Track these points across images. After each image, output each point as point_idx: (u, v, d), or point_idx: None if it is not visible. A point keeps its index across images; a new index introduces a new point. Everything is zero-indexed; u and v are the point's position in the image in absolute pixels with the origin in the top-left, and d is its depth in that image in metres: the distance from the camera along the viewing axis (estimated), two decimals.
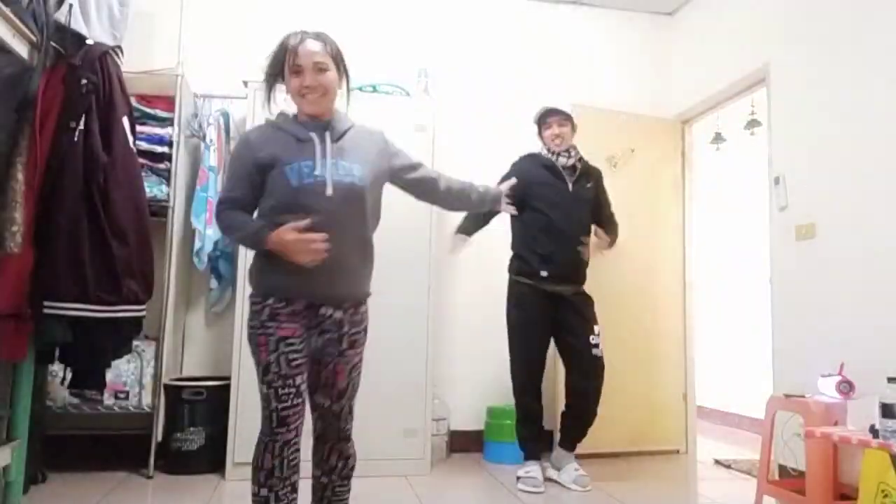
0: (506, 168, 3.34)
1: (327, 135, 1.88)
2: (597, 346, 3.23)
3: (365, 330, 1.97)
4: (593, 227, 3.42)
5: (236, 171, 1.90)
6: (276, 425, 1.80)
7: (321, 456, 2.00)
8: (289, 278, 1.81)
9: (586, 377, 3.22)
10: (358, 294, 1.94)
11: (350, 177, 1.85)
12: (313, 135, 1.87)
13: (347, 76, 1.98)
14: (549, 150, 3.35)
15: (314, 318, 1.86)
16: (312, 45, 1.87)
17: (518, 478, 3.15)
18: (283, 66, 1.87)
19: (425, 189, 2.11)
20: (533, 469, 3.16)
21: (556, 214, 3.22)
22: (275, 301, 1.83)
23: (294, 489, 1.87)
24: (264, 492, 1.84)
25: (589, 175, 3.40)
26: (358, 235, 1.90)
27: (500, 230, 3.37)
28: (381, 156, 1.98)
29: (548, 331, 3.26)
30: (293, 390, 1.81)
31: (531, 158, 3.38)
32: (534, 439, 3.26)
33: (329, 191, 1.81)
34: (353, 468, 2.03)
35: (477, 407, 3.86)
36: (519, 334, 3.24)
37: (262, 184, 1.86)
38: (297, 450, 1.85)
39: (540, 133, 3.41)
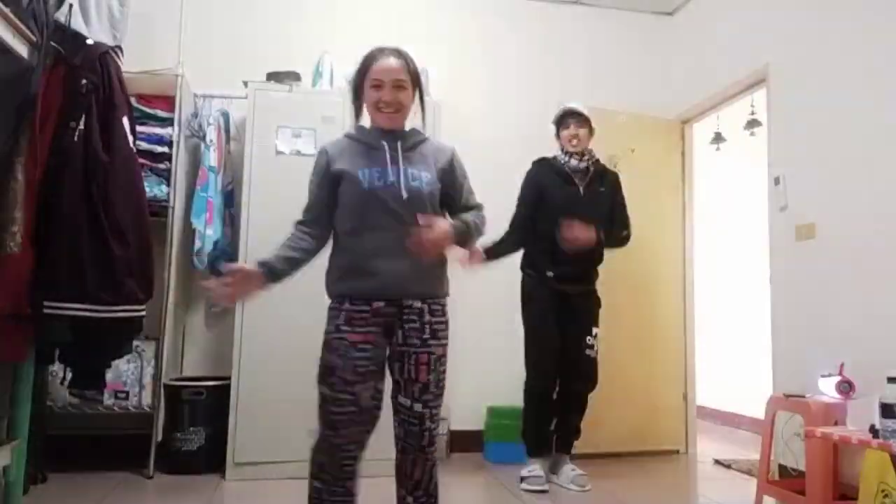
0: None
1: (398, 144, 1.95)
2: (591, 346, 3.23)
3: (447, 325, 1.95)
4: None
5: (313, 186, 1.99)
6: (327, 427, 1.85)
7: (404, 472, 1.93)
8: (365, 281, 1.87)
9: (577, 378, 3.23)
10: (435, 292, 1.95)
11: (418, 181, 1.91)
12: (384, 143, 1.94)
13: (422, 94, 2.04)
14: (563, 150, 3.33)
15: (397, 314, 1.88)
16: (394, 62, 1.94)
17: (522, 477, 3.14)
18: (364, 77, 1.95)
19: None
20: (536, 468, 3.16)
21: (566, 218, 3.17)
22: (351, 304, 1.87)
23: (349, 493, 1.90)
24: (317, 483, 1.89)
25: (603, 178, 3.36)
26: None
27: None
28: (444, 168, 2.01)
29: (557, 325, 3.24)
30: (351, 397, 1.83)
31: (543, 163, 3.36)
32: (542, 437, 3.25)
33: (403, 194, 1.88)
34: (437, 486, 1.93)
35: (477, 407, 3.86)
36: (536, 330, 3.23)
37: (336, 195, 1.93)
38: (353, 457, 1.87)
39: (557, 134, 3.37)
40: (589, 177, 3.32)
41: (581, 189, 3.29)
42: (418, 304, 1.89)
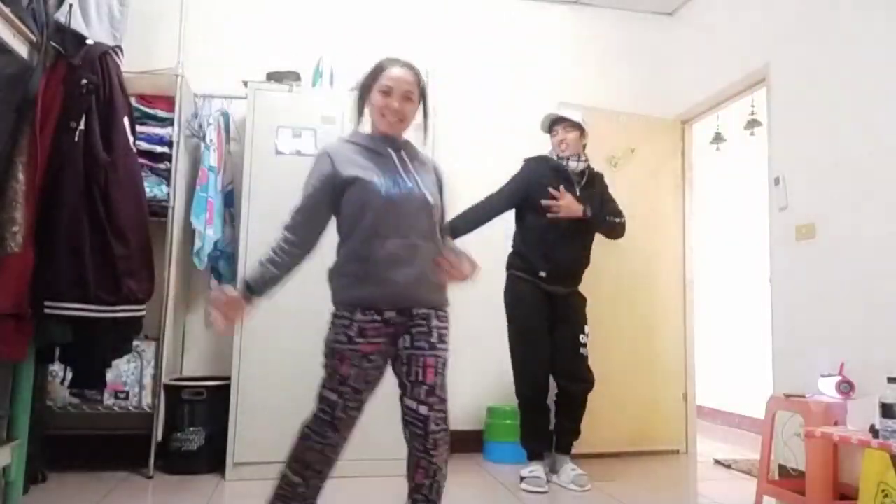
0: (509, 166, 3.36)
1: (403, 153, 2.00)
2: (585, 345, 3.23)
3: (448, 332, 1.99)
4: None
5: (312, 188, 1.93)
6: (331, 431, 1.89)
7: (410, 472, 1.93)
8: (377, 289, 1.88)
9: (576, 379, 3.22)
10: (441, 301, 1.99)
11: (428, 191, 1.96)
12: (390, 151, 1.98)
13: (426, 109, 2.09)
14: (557, 155, 3.34)
15: (406, 321, 1.92)
16: (406, 74, 1.98)
17: (522, 478, 3.15)
18: (374, 81, 1.97)
19: None
20: (537, 469, 3.16)
21: (561, 218, 3.20)
22: (363, 314, 1.87)
23: (323, 479, 1.95)
24: (296, 479, 1.91)
25: (594, 181, 3.40)
26: (433, 245, 1.96)
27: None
28: (436, 183, 2.07)
29: (548, 327, 3.26)
30: (358, 404, 1.91)
31: (541, 160, 3.37)
32: (540, 440, 3.26)
33: (430, 199, 1.93)
34: (439, 491, 1.92)
35: (477, 407, 3.86)
36: (523, 331, 3.23)
37: (338, 200, 1.92)
38: (340, 450, 1.94)
39: (549, 135, 3.41)
40: (585, 179, 3.34)
41: (578, 191, 3.29)
42: (425, 310, 1.93)
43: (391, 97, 1.94)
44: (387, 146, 1.98)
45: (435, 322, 1.94)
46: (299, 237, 1.90)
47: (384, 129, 1.97)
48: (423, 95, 2.04)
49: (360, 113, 2.04)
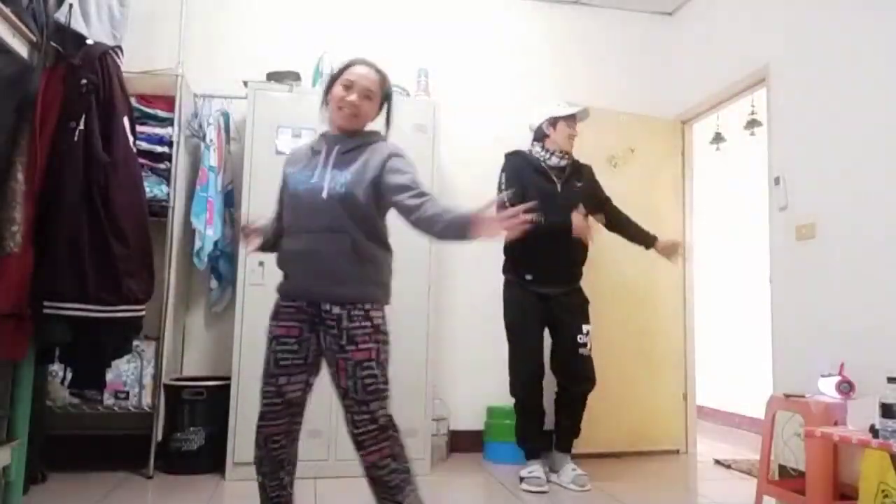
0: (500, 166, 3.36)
1: (336, 147, 2.00)
2: (584, 345, 3.21)
3: (376, 329, 1.91)
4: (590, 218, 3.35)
5: (279, 186, 2.15)
6: (259, 419, 1.96)
7: None
8: (285, 281, 2.01)
9: (572, 377, 3.22)
10: (351, 294, 1.91)
11: (335, 184, 1.94)
12: (325, 147, 2.02)
13: (389, 113, 2.10)
14: (545, 148, 3.31)
15: (317, 315, 1.94)
16: (370, 73, 2.03)
17: (521, 478, 3.15)
18: (338, 77, 2.03)
19: (402, 214, 1.91)
20: (536, 468, 3.16)
21: (544, 216, 3.15)
22: (280, 299, 2.00)
23: (282, 486, 1.97)
24: (259, 477, 1.99)
25: (580, 173, 3.38)
26: (346, 239, 1.91)
27: None
28: (377, 169, 1.95)
29: (542, 328, 3.25)
30: (273, 389, 1.93)
31: (520, 157, 3.33)
32: (535, 439, 3.26)
33: (324, 195, 1.92)
34: (389, 483, 1.87)
35: (477, 407, 3.86)
36: (515, 333, 3.24)
37: None
38: (281, 447, 1.95)
39: (551, 126, 3.30)
40: (566, 174, 3.32)
41: (559, 186, 3.28)
42: (337, 309, 1.90)
43: (350, 91, 1.98)
44: (325, 142, 2.03)
45: (346, 323, 1.89)
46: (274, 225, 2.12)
47: (339, 122, 2.01)
48: (387, 100, 2.08)
49: (324, 104, 2.07)
